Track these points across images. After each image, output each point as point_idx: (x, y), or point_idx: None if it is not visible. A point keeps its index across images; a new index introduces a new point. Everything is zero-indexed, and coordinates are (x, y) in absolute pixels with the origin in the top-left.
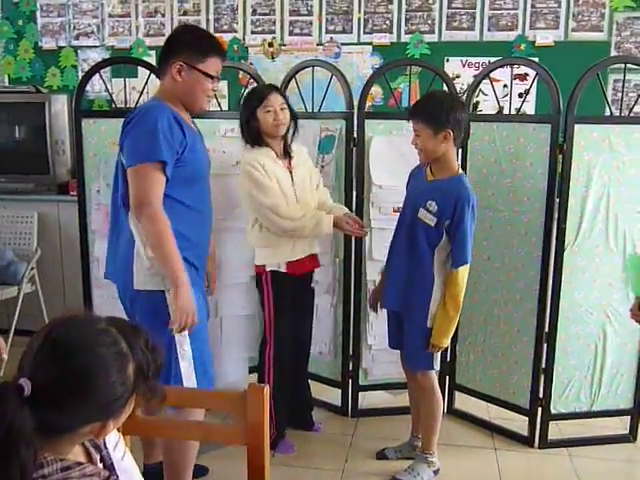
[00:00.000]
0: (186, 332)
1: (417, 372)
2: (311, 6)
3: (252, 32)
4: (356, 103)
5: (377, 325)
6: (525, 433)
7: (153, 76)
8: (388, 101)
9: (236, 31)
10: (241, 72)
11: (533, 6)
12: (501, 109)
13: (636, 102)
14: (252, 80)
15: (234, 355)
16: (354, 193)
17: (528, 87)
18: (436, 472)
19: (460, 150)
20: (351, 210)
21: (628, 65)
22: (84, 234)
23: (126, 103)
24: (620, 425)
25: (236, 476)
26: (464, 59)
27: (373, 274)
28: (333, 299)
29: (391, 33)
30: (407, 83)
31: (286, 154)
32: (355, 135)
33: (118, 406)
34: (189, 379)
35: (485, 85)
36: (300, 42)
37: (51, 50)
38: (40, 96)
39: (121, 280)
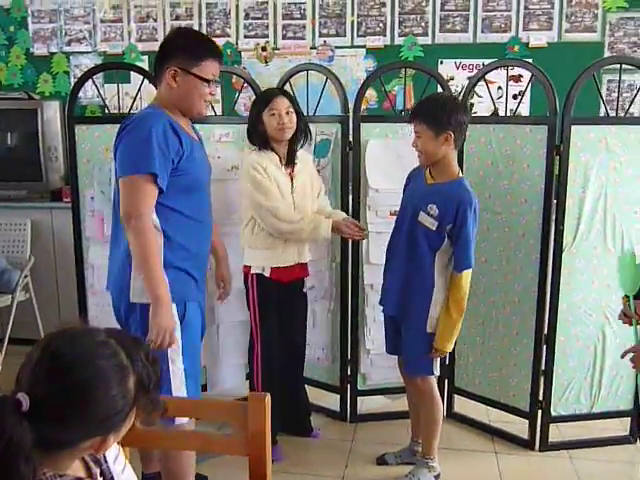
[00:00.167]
0: (179, 350)
1: (417, 377)
2: (304, 10)
3: (245, 36)
4: (351, 106)
5: (375, 329)
6: (525, 436)
7: (146, 81)
8: (383, 104)
9: (229, 35)
10: (235, 77)
11: (526, 7)
12: (496, 111)
13: (632, 102)
14: (246, 85)
15: (231, 362)
16: (350, 197)
17: (523, 89)
18: (437, 477)
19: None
20: (347, 214)
21: (622, 66)
22: (78, 241)
23: (119, 109)
24: (620, 426)
25: None
26: (458, 61)
27: (370, 278)
28: (330, 304)
29: (385, 36)
30: (401, 86)
31: (290, 160)
32: (351, 139)
33: (119, 420)
34: (178, 392)
35: (480, 87)
36: (293, 46)
37: (43, 56)
38: (32, 103)
39: (116, 291)
